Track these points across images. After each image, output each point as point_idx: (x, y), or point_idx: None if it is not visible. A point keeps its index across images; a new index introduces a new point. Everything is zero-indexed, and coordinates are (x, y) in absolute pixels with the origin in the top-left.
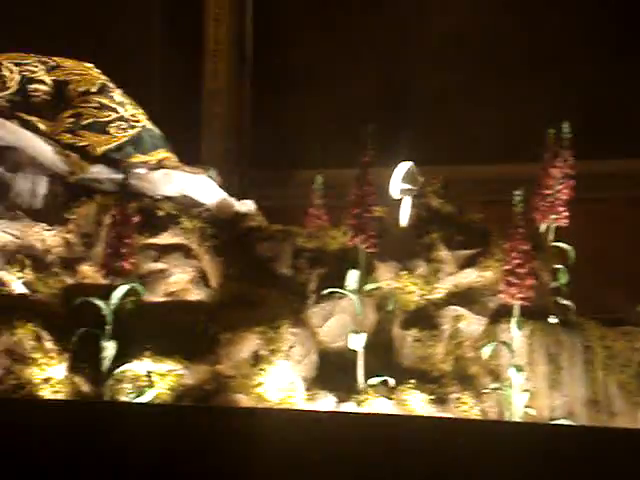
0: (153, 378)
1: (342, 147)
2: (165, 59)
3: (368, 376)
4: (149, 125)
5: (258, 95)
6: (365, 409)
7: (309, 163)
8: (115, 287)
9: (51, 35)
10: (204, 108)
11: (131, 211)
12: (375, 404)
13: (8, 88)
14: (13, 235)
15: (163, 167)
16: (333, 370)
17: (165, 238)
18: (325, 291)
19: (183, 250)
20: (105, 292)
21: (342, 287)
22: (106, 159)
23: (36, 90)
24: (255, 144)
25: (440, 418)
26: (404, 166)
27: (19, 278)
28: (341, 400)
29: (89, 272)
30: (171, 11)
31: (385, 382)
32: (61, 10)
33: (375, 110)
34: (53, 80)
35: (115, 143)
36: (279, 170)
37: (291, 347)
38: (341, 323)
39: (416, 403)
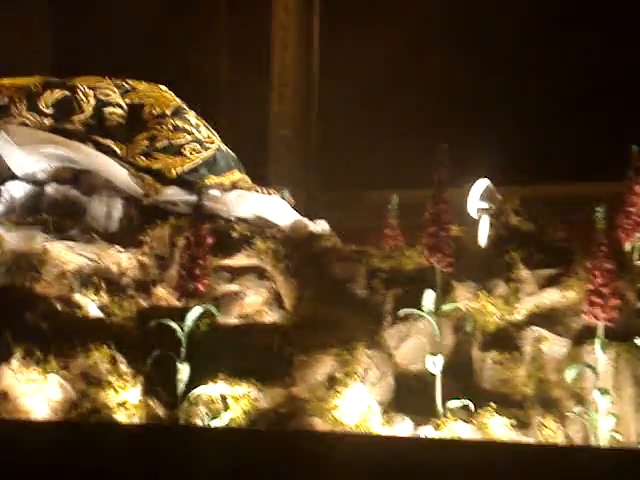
0: (228, 401)
1: (413, 167)
2: (232, 83)
3: (446, 399)
4: (223, 147)
5: (324, 117)
6: (444, 434)
7: (375, 184)
8: (189, 309)
9: (125, 59)
10: (270, 131)
11: (205, 232)
12: (454, 428)
13: (84, 112)
14: (88, 258)
15: (237, 188)
16: (410, 393)
17: (239, 259)
18: (401, 312)
19: (257, 271)
20: (179, 314)
21: (418, 308)
22: (180, 181)
23: (111, 113)
24: (321, 166)
25: (523, 443)
26: (481, 184)
27: (94, 301)
28: (419, 424)
29: (163, 294)
30: (239, 35)
31: (464, 406)
32: (136, 34)
33: (448, 128)
34: (128, 103)
35: (189, 165)
36: (345, 191)
37: (367, 369)
38: (418, 345)
39: (497, 427)
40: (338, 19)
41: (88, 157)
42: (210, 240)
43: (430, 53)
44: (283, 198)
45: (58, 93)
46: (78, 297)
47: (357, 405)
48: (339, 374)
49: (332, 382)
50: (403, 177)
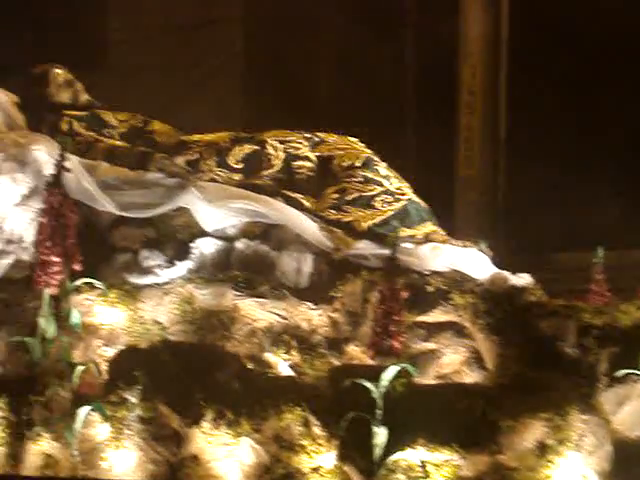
0: (428, 468)
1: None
2: (419, 146)
3: None
4: (415, 198)
5: (512, 178)
6: None
7: (568, 245)
8: (384, 368)
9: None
10: (457, 195)
11: (400, 287)
12: None
13: (273, 166)
14: (279, 315)
15: (431, 241)
16: (630, 463)
17: (435, 315)
18: (618, 373)
19: (455, 328)
20: (374, 373)
21: (637, 368)
22: (371, 234)
23: (300, 167)
24: (510, 229)
25: None
26: None
27: (285, 360)
28: None
29: (356, 352)
30: (426, 98)
31: None
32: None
33: None
34: (317, 156)
35: (380, 217)
36: (537, 254)
37: (582, 436)
38: (638, 410)
39: None
40: (525, 78)
41: (278, 212)
42: (405, 295)
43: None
44: (480, 250)
45: (247, 148)
46: (269, 356)
47: (571, 476)
48: (551, 441)
49: (543, 450)
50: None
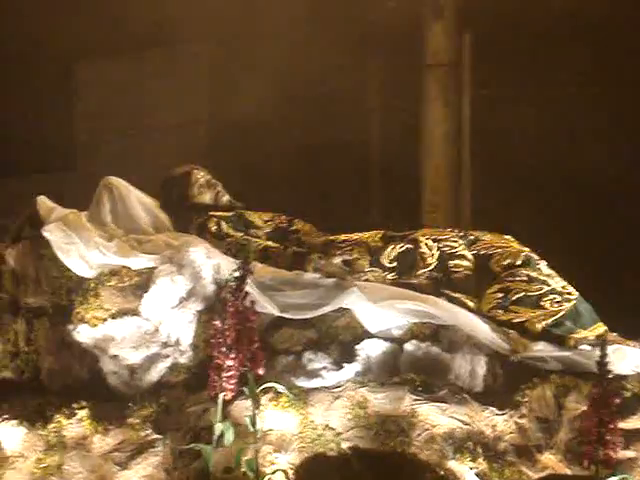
0: None
1: None
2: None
3: None
4: (581, 298)
5: None
6: None
7: None
8: (594, 479)
9: None
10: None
11: (611, 393)
12: None
13: (428, 265)
14: (461, 421)
15: (604, 342)
16: None
17: (633, 422)
18: None
19: None
20: None
21: None
22: (547, 335)
23: (457, 265)
24: None
25: None
26: None
27: (471, 468)
28: None
29: (551, 461)
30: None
31: None
32: None
33: None
34: (474, 254)
35: (552, 318)
36: None
37: None
38: None
39: None
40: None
41: (448, 312)
42: (617, 401)
43: None
44: None
45: (400, 247)
46: (453, 464)
47: None
48: None
49: None
50: None
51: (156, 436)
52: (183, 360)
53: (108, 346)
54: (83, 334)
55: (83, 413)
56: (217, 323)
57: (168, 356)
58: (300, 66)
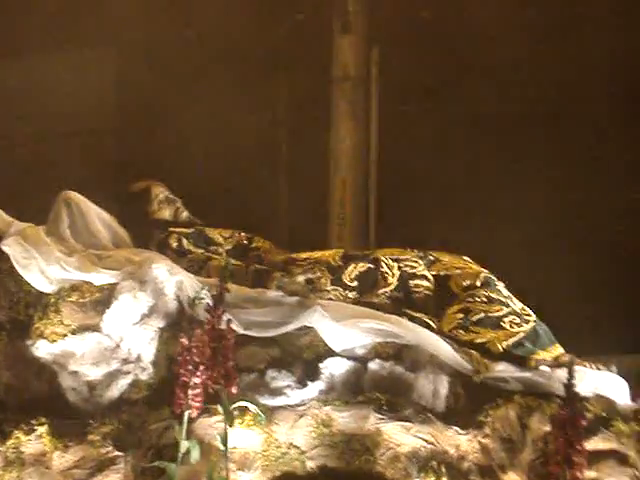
0: None
1: None
2: None
3: None
4: (538, 320)
5: None
6: None
7: None
8: None
9: None
10: None
11: (578, 414)
12: None
13: (389, 284)
14: (425, 440)
15: (560, 364)
16: None
17: (594, 443)
18: None
19: (616, 457)
20: None
21: None
22: (508, 356)
23: (417, 286)
24: None
25: None
26: None
27: None
28: None
29: None
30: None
31: None
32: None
33: None
34: (433, 274)
35: (513, 339)
36: None
37: None
38: None
39: None
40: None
41: (411, 332)
42: (584, 423)
43: None
44: (611, 371)
45: (361, 266)
46: None
47: None
48: None
49: None
50: None
51: (117, 453)
52: (144, 377)
53: (68, 362)
54: (42, 349)
55: (42, 429)
56: (184, 341)
57: (129, 373)
58: None
